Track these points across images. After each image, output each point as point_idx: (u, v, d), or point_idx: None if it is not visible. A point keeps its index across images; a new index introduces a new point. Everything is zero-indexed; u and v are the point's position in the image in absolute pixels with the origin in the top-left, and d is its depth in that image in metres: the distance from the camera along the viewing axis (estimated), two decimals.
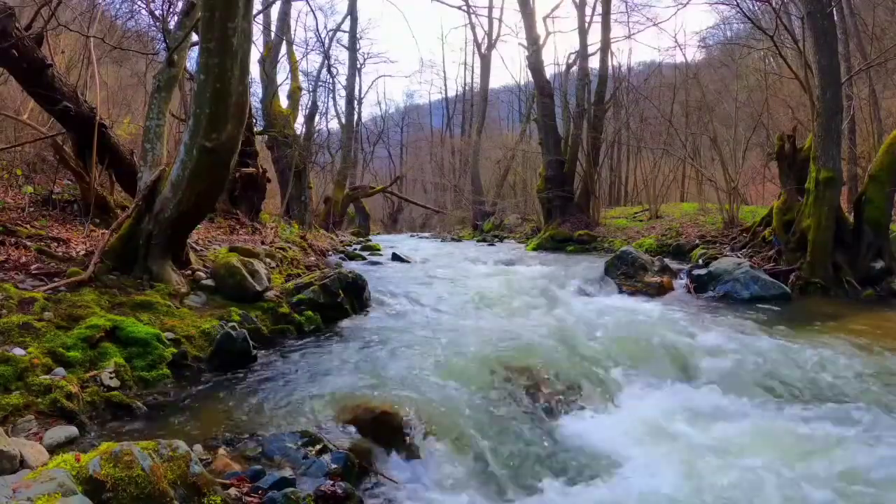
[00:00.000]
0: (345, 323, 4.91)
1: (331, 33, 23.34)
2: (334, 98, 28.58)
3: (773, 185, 13.21)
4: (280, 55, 15.88)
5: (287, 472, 2.27)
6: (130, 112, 10.89)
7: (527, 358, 3.91)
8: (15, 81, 5.94)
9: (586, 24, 14.81)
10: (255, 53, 14.06)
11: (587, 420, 3.32)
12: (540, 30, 15.97)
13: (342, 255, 9.80)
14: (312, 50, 31.29)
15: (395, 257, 9.58)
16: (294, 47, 17.60)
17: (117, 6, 11.43)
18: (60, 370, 2.87)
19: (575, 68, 15.53)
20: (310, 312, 4.77)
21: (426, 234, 24.08)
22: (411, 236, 23.04)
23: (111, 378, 2.98)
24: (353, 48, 23.00)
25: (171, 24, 6.32)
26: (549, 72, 16.25)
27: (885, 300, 6.14)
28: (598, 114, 14.45)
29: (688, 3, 18.54)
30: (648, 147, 18.21)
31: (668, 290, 6.66)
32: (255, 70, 14.20)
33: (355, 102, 26.58)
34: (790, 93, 12.24)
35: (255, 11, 4.60)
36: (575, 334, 4.58)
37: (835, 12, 8.17)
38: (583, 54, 14.75)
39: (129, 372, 3.14)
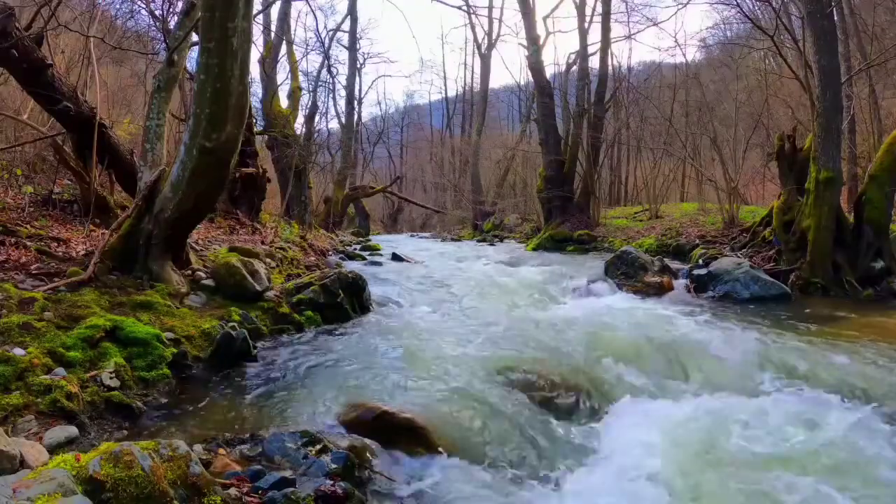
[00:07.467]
0: (345, 323, 4.90)
1: (331, 33, 23.41)
2: (334, 98, 28.72)
3: (773, 185, 13.23)
4: (280, 55, 15.89)
5: (287, 472, 2.26)
6: (130, 112, 10.91)
7: (527, 358, 3.91)
8: (15, 81, 5.93)
9: (586, 25, 14.84)
10: (255, 53, 14.07)
11: (590, 421, 3.32)
12: (540, 30, 15.98)
13: (342, 255, 9.80)
14: (312, 50, 31.40)
15: (395, 257, 9.60)
16: (294, 47, 17.63)
17: (117, 6, 11.45)
18: (60, 370, 2.86)
19: (575, 68, 15.53)
20: (310, 312, 4.77)
21: (426, 234, 24.10)
22: (411, 236, 23.07)
23: (111, 378, 2.98)
24: (353, 48, 23.01)
25: (171, 24, 6.32)
26: (549, 72, 16.26)
27: (885, 300, 6.13)
28: (598, 114, 14.45)
29: (688, 3, 18.48)
30: (648, 147, 18.22)
31: (669, 290, 6.66)
32: (255, 70, 14.21)
33: (355, 102, 26.61)
34: (790, 93, 12.25)
35: (255, 11, 4.59)
36: (574, 334, 4.58)
37: (835, 12, 8.17)
38: (583, 54, 14.75)
39: (129, 372, 3.13)
